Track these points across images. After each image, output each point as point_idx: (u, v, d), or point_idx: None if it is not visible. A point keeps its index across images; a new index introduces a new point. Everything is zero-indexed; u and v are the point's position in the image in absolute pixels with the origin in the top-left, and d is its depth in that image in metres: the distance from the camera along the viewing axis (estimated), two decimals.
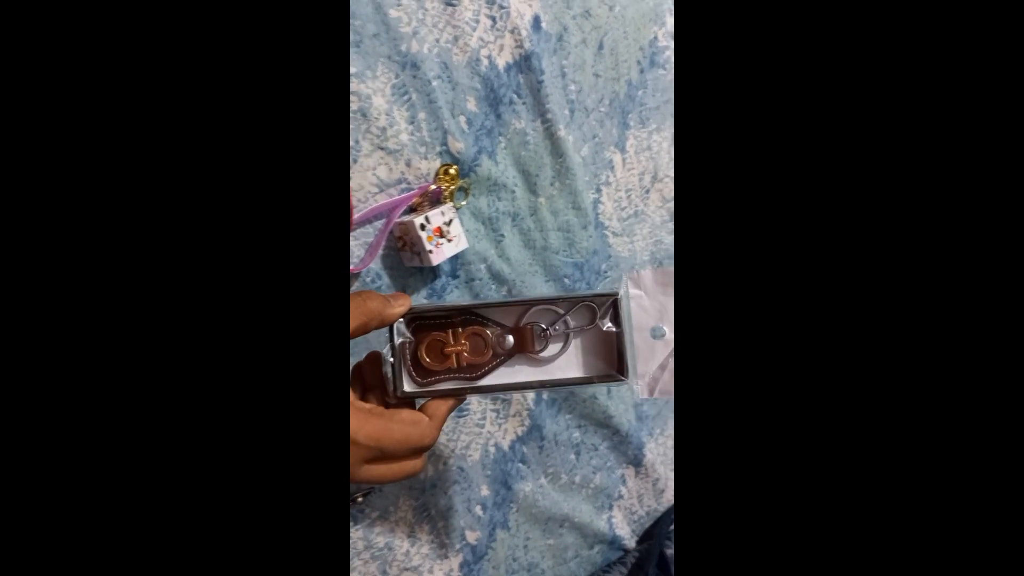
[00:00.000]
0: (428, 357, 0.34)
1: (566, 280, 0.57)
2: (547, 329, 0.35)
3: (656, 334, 0.35)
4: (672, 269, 0.36)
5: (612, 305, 0.35)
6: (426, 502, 0.50)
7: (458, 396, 0.34)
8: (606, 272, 0.61)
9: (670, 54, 0.64)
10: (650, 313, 0.36)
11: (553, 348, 0.35)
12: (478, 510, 0.53)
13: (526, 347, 0.34)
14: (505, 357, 0.35)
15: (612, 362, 0.35)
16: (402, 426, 0.31)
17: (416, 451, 0.32)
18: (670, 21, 0.64)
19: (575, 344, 0.36)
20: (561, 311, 0.35)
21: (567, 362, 0.36)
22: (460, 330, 0.34)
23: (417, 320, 0.34)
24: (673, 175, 0.66)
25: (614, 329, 0.34)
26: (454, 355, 0.34)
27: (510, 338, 0.34)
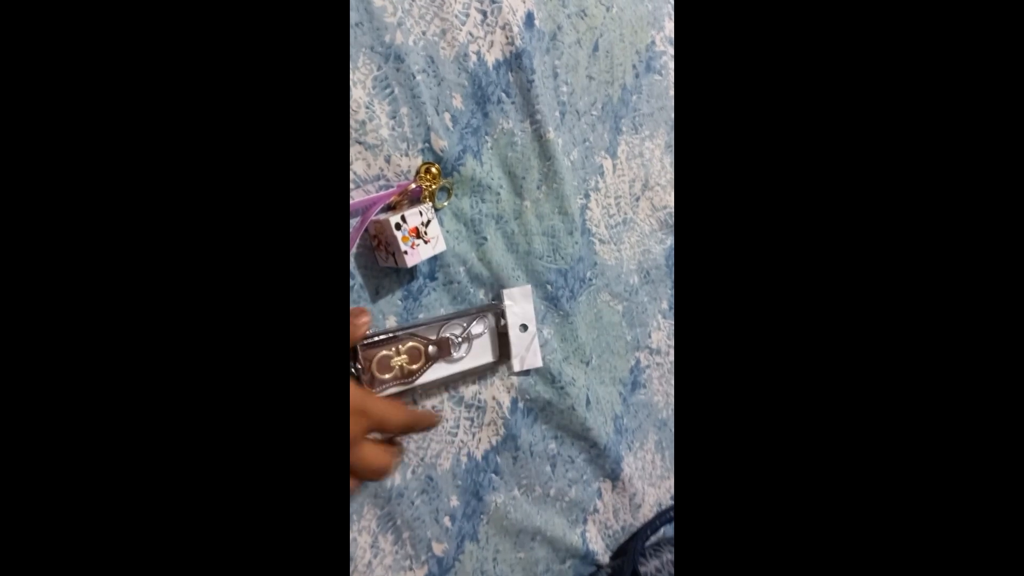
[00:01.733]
0: (378, 371, 0.44)
1: (548, 287, 0.55)
2: (457, 338, 0.49)
3: (522, 329, 0.53)
4: (528, 287, 0.53)
5: (500, 313, 0.52)
6: (391, 511, 0.48)
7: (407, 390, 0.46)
8: (590, 280, 0.59)
9: (667, 59, 0.63)
10: (518, 316, 0.53)
11: (468, 348, 0.50)
12: (446, 521, 0.51)
13: (446, 353, 0.48)
14: (433, 361, 0.47)
15: (499, 353, 0.52)
16: (406, 408, 0.38)
17: (410, 430, 0.38)
18: (669, 26, 0.62)
19: (485, 344, 0.52)
20: (465, 324, 0.49)
21: (475, 358, 0.51)
22: (400, 346, 0.45)
23: (367, 341, 0.44)
24: (664, 183, 0.64)
25: (502, 326, 0.52)
26: (398, 365, 0.45)
27: (433, 347, 0.47)
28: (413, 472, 0.49)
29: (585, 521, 0.61)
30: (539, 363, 0.54)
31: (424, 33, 0.45)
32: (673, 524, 0.71)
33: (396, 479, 0.48)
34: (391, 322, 0.47)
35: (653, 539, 0.66)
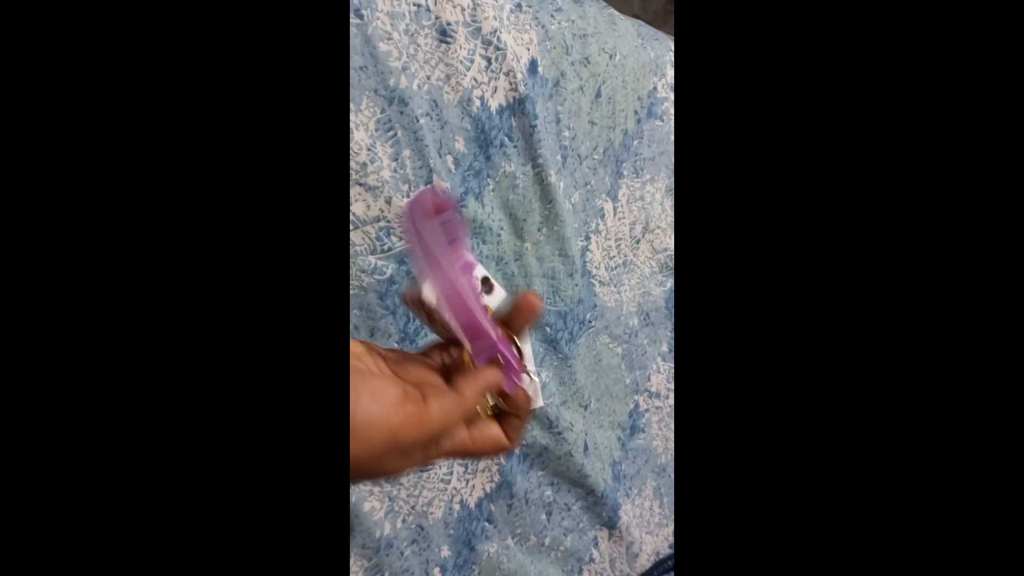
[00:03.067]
0: None
1: (547, 329, 0.55)
2: None
3: None
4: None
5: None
6: (379, 563, 0.46)
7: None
8: (590, 322, 0.58)
9: (668, 105, 0.63)
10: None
11: None
12: (436, 572, 0.49)
13: None
14: None
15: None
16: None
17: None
18: (670, 72, 0.63)
19: None
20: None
21: None
22: None
23: None
24: (664, 226, 0.64)
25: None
26: None
27: None
28: (403, 521, 0.47)
29: (581, 572, 0.59)
30: (540, 403, 0.53)
31: (429, 78, 0.45)
32: (672, 574, 0.69)
33: (386, 528, 0.46)
34: None
35: None
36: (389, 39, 0.42)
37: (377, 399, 0.22)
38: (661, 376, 0.66)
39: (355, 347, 0.24)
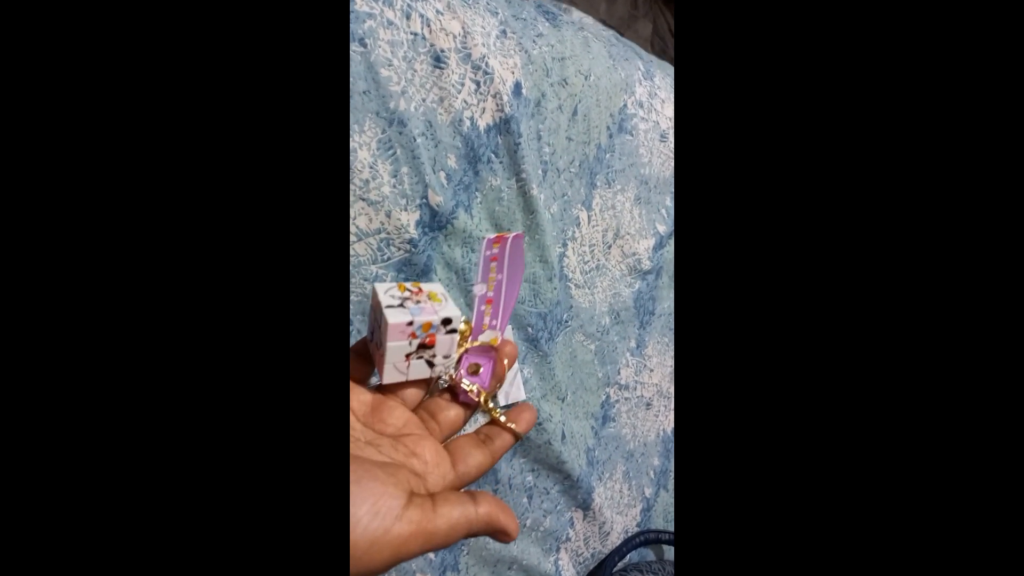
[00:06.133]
0: None
1: (529, 329, 0.59)
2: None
3: None
4: (508, 327, 0.53)
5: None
6: None
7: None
8: (567, 322, 0.63)
9: (637, 121, 0.69)
10: None
11: None
12: (430, 553, 0.53)
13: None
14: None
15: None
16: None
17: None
18: (639, 90, 0.69)
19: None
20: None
21: None
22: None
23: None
24: (633, 232, 0.70)
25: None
26: None
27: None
28: None
29: (558, 550, 0.65)
30: (522, 396, 0.57)
31: (424, 100, 0.49)
32: (638, 551, 0.76)
33: None
34: None
35: (620, 565, 0.70)
36: (390, 65, 0.46)
37: (379, 512, 0.21)
38: (630, 370, 0.72)
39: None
